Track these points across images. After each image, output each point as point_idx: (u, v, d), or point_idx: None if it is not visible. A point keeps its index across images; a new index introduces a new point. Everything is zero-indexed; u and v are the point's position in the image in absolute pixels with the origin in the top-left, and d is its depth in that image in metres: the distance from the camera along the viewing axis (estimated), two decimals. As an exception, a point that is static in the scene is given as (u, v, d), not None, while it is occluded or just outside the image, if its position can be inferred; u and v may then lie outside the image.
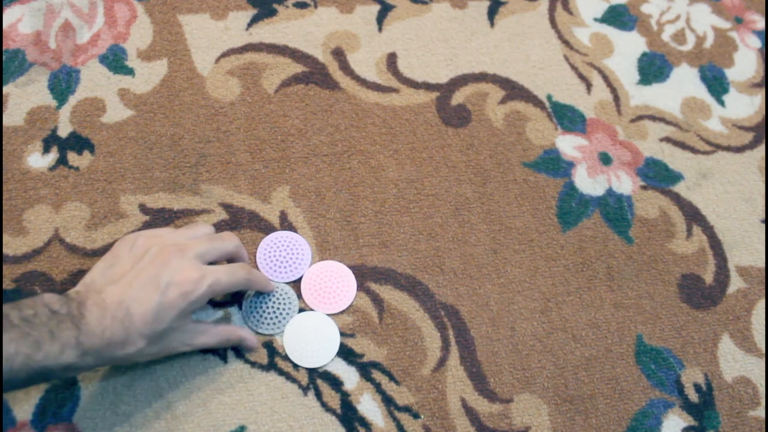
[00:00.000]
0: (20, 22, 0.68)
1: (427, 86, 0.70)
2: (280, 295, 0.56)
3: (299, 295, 0.57)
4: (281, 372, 0.54)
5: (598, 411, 0.56)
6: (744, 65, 0.78)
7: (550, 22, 0.77)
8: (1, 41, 0.66)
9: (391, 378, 0.55)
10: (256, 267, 0.58)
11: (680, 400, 0.58)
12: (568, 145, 0.69)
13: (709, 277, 0.64)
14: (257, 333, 0.55)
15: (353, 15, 0.73)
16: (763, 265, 0.65)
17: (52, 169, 0.60)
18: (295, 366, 0.54)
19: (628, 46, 0.77)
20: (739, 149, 0.72)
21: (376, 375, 0.55)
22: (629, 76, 0.74)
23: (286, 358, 0.55)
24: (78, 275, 0.56)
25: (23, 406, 0.51)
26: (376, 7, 0.74)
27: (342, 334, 0.56)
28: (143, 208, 0.60)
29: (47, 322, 0.40)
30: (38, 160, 0.61)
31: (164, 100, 0.65)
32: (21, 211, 0.58)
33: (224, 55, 0.69)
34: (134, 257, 0.47)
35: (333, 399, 0.54)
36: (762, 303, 0.63)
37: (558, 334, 0.59)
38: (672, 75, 0.76)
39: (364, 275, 0.59)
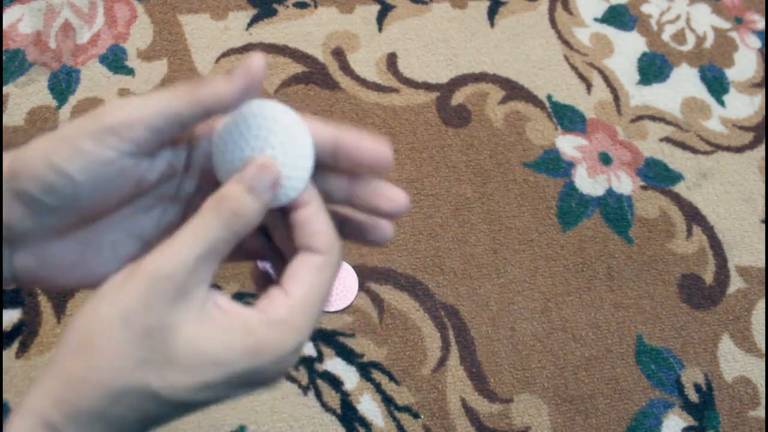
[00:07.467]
0: (20, 22, 0.68)
1: (427, 86, 0.70)
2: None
3: None
4: (281, 372, 0.54)
5: (598, 411, 0.56)
6: (744, 65, 0.78)
7: (550, 22, 0.77)
8: (1, 41, 0.66)
9: (391, 378, 0.55)
10: None
11: (680, 400, 0.58)
12: (568, 145, 0.69)
13: (709, 277, 0.64)
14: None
15: (353, 15, 0.73)
16: (763, 265, 0.65)
17: (52, 169, 0.60)
18: (295, 366, 0.55)
19: (628, 46, 0.77)
20: (739, 149, 0.72)
21: (376, 375, 0.55)
22: (629, 76, 0.74)
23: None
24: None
25: (23, 406, 0.51)
26: (376, 7, 0.74)
27: (342, 333, 0.56)
28: (143, 208, 0.60)
29: None
30: (38, 160, 0.61)
31: (164, 100, 0.65)
32: (21, 211, 0.58)
33: (224, 55, 0.69)
34: None
35: (333, 399, 0.54)
36: (762, 303, 0.63)
37: (558, 334, 0.59)
38: (672, 75, 0.76)
39: (364, 275, 0.59)
